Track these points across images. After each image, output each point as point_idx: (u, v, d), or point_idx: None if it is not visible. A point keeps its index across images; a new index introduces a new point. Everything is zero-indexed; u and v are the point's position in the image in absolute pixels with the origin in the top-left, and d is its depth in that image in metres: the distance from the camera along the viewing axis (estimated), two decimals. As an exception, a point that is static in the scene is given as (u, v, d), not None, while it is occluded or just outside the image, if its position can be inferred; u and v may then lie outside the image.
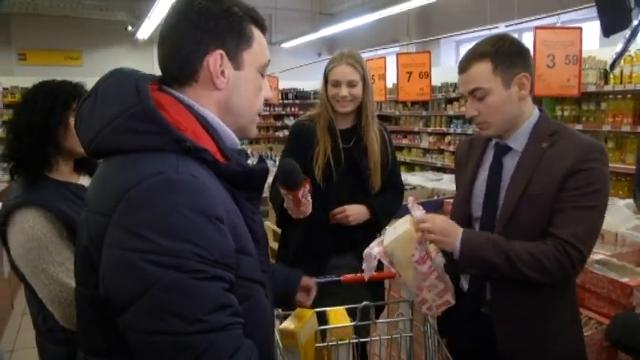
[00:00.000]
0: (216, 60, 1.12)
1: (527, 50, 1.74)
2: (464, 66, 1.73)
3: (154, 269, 0.92)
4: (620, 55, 3.24)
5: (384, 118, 9.88)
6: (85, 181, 1.90)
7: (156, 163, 1.01)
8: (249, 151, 8.43)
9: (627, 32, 2.76)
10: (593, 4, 4.90)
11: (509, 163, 1.76)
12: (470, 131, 7.75)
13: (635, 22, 2.55)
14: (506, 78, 1.68)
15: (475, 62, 1.69)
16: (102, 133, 1.06)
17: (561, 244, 1.59)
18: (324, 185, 2.41)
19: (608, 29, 2.46)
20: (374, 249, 1.65)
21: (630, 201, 3.46)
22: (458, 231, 1.64)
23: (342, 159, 2.44)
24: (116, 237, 0.96)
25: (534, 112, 1.78)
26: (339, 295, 1.97)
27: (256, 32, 1.19)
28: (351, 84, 2.41)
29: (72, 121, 1.75)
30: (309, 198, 2.00)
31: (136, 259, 0.93)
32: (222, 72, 1.13)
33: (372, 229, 2.48)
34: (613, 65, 3.67)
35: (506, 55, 1.67)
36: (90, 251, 1.02)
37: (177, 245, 0.94)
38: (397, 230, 1.65)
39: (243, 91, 1.18)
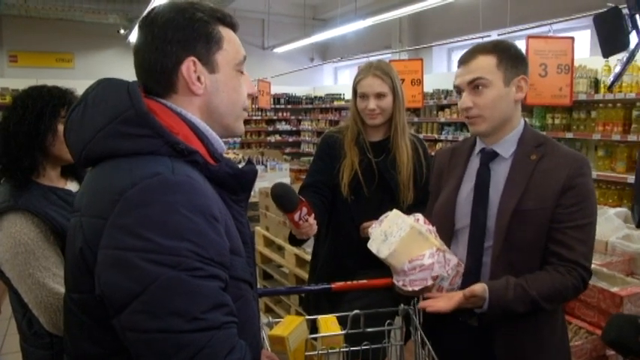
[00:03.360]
0: (189, 67, 1.14)
1: (526, 58, 1.78)
2: (466, 58, 1.73)
3: (152, 268, 0.93)
4: (618, 76, 3.28)
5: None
6: (72, 186, 1.88)
7: (151, 165, 1.02)
8: (240, 156, 8.41)
9: (625, 54, 2.79)
10: (585, 13, 4.95)
11: (497, 170, 1.76)
12: (461, 138, 7.76)
13: (632, 46, 2.58)
14: (507, 76, 1.70)
15: (479, 55, 1.71)
16: (95, 140, 1.07)
17: (574, 268, 1.63)
18: (352, 199, 2.36)
19: (607, 50, 2.50)
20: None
21: (620, 210, 3.47)
22: (482, 296, 1.60)
23: (371, 172, 2.37)
24: (113, 237, 0.96)
25: (521, 121, 1.79)
26: (358, 301, 1.94)
27: (225, 32, 1.20)
28: (379, 96, 2.34)
29: (60, 127, 1.74)
30: (311, 220, 1.94)
31: (134, 257, 0.94)
32: (198, 78, 1.16)
33: None
34: (612, 86, 3.72)
35: (510, 56, 1.71)
36: (85, 254, 1.02)
37: (176, 244, 0.95)
38: (394, 236, 1.63)
39: (222, 93, 1.20)
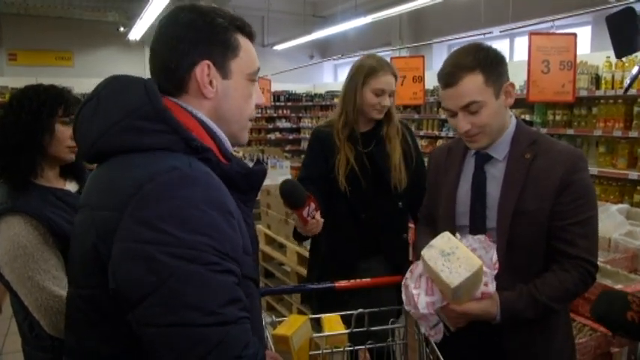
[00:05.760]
0: (203, 70, 1.14)
1: (505, 58, 1.73)
2: (451, 80, 1.65)
3: (171, 261, 0.93)
4: (634, 78, 3.23)
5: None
6: (71, 186, 1.86)
7: (168, 160, 1.03)
8: (240, 154, 8.39)
9: None
10: (586, 10, 4.93)
11: (492, 172, 1.75)
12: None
13: None
14: (496, 89, 1.65)
15: (465, 75, 1.63)
16: (108, 133, 1.07)
17: (581, 264, 1.63)
18: (349, 190, 2.38)
19: (621, 51, 2.48)
20: (422, 297, 1.53)
21: (622, 206, 3.47)
22: (495, 305, 1.59)
23: (364, 164, 2.41)
24: (131, 230, 0.96)
25: (512, 120, 1.77)
26: (365, 298, 1.94)
27: (243, 41, 1.21)
28: (392, 94, 2.40)
29: (58, 127, 1.73)
30: (318, 217, 1.96)
31: (153, 251, 0.94)
32: (211, 82, 1.16)
33: (397, 230, 2.50)
34: (628, 89, 3.68)
35: (493, 65, 1.65)
36: (99, 249, 1.02)
37: (194, 237, 0.96)
38: (456, 263, 1.47)
39: (232, 100, 1.20)
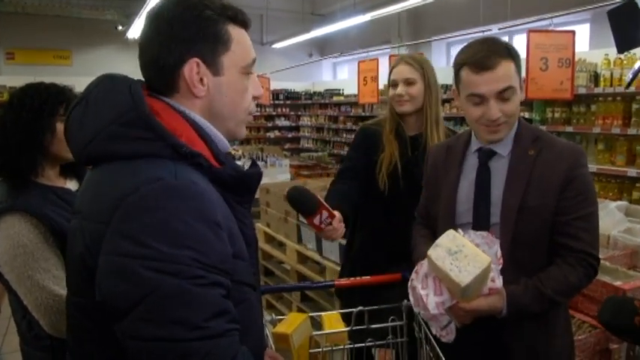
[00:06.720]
0: (192, 69, 1.10)
1: None
2: (489, 64, 1.61)
3: (153, 275, 0.91)
4: (637, 72, 3.21)
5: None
6: (72, 185, 1.86)
7: (154, 169, 1.00)
8: (240, 152, 8.40)
9: None
10: (585, 7, 4.93)
11: (496, 167, 1.76)
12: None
13: None
14: (519, 79, 1.68)
15: (501, 60, 1.62)
16: (95, 140, 1.04)
17: (584, 257, 1.65)
18: (388, 191, 2.36)
19: (623, 46, 2.47)
20: (431, 298, 1.51)
21: (621, 203, 3.46)
22: (502, 299, 1.60)
23: (407, 167, 2.37)
24: (114, 244, 0.94)
25: None
26: (391, 291, 1.93)
27: (235, 32, 1.15)
28: (407, 82, 2.36)
29: (59, 126, 1.71)
30: (335, 224, 1.92)
31: (136, 265, 0.92)
32: (201, 80, 1.11)
33: None
34: (630, 84, 3.67)
35: (517, 57, 1.68)
36: (86, 259, 1.00)
37: (178, 251, 0.93)
38: (464, 261, 1.45)
39: (225, 96, 1.15)
